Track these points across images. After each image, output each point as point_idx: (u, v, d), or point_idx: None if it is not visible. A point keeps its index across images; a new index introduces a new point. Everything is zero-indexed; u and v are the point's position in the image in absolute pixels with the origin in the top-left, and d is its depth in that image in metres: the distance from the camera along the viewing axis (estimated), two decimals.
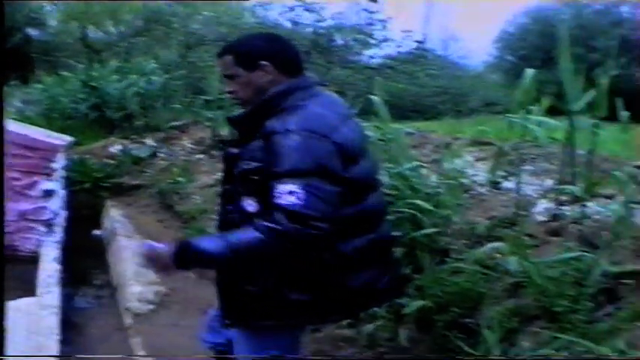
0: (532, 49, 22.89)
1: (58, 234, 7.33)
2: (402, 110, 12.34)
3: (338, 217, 2.76)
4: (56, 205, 7.46)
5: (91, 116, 11.44)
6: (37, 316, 5.09)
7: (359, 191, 2.93)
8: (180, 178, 8.52)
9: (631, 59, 20.15)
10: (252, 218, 2.72)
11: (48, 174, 7.39)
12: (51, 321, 5.02)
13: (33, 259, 6.90)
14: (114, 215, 8.16)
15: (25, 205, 7.33)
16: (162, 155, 9.87)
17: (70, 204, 7.76)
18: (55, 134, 8.20)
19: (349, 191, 2.82)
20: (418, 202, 4.40)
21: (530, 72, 4.71)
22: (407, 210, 4.40)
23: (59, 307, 5.32)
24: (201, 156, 9.49)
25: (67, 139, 8.17)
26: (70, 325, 5.37)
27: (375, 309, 4.20)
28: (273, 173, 2.68)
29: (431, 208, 4.41)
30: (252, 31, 11.28)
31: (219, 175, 4.69)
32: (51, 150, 7.48)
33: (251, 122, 2.90)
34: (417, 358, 3.62)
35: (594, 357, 3.13)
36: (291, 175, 2.64)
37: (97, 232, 8.19)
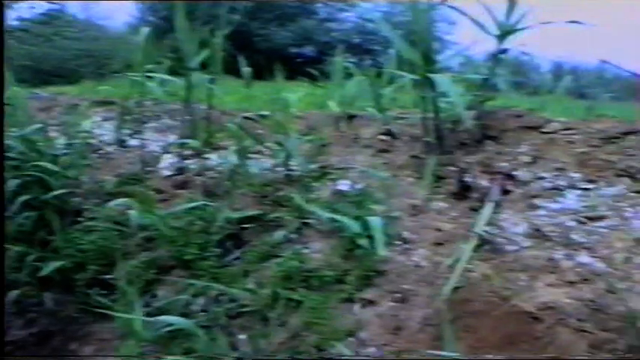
0: (173, 8, 23.02)
1: None
2: (43, 75, 12.03)
3: None
4: None
5: None
6: None
7: None
8: None
9: (270, 20, 20.90)
10: None
11: None
12: None
13: None
14: None
15: None
16: None
17: None
18: None
19: None
20: (45, 164, 4.40)
21: (144, 31, 4.84)
22: (34, 173, 4.39)
23: None
24: None
25: None
26: None
27: (18, 275, 4.20)
28: None
29: (58, 169, 4.43)
30: None
31: None
32: None
33: None
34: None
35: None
36: None
37: None
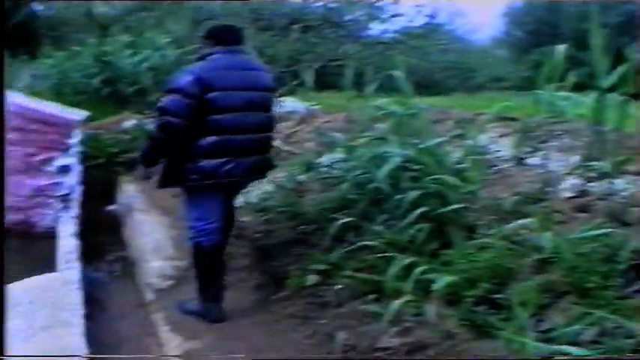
0: (539, 23, 22.79)
1: (75, 209, 7.33)
2: (411, 85, 12.31)
3: (195, 127, 4.61)
4: (72, 180, 7.46)
5: (103, 91, 11.36)
6: (59, 291, 5.13)
7: (221, 122, 4.67)
8: None
9: None
10: None
11: (64, 149, 7.38)
12: (74, 297, 5.05)
13: (49, 235, 6.92)
14: (128, 190, 8.13)
15: (41, 181, 7.34)
16: None
17: (85, 179, 7.73)
18: (71, 109, 8.15)
19: (209, 114, 4.62)
20: (445, 177, 4.42)
21: (561, 48, 4.70)
22: (433, 185, 4.44)
23: (80, 282, 5.34)
24: None
25: (83, 114, 8.14)
26: (91, 301, 5.33)
27: (402, 284, 4.18)
28: None
29: (458, 183, 4.43)
30: (258, 6, 12.18)
31: None
32: (67, 125, 7.49)
33: None
34: None
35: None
36: (166, 91, 4.71)
37: (111, 207, 8.18)
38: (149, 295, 5.55)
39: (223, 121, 4.67)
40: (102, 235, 7.40)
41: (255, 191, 6.47)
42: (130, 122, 9.91)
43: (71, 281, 5.32)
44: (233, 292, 5.23)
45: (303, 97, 9.98)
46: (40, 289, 5.16)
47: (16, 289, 5.07)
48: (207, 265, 4.91)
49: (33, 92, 10.68)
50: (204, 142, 4.65)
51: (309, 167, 6.41)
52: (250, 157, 4.86)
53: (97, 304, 5.53)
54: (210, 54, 4.81)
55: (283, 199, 6.15)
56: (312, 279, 4.86)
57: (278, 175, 6.54)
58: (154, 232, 6.53)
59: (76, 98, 10.95)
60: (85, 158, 8.08)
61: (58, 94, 11.20)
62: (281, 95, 9.78)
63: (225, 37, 4.90)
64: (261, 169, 5.09)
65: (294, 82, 10.79)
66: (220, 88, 4.63)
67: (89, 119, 8.69)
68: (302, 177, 6.36)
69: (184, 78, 4.61)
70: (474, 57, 19.54)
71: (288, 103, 9.58)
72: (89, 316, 4.86)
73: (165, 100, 4.65)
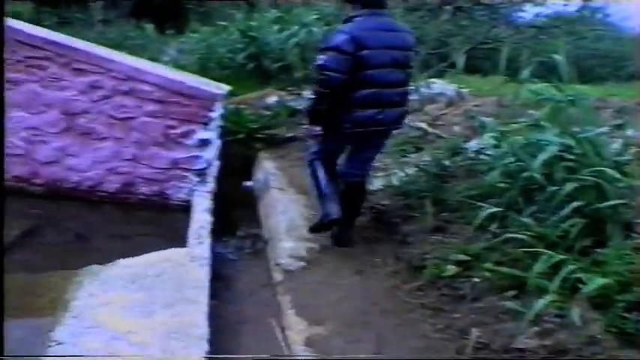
0: None
1: (210, 184, 7.33)
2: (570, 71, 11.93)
3: (351, 81, 5.08)
4: (210, 154, 7.41)
5: (248, 67, 11.33)
6: (186, 267, 5.07)
7: (373, 77, 5.16)
8: None
9: None
10: None
11: (205, 123, 7.33)
12: (201, 274, 4.99)
13: (183, 208, 6.97)
14: (266, 167, 8.03)
15: (178, 154, 7.32)
16: None
17: (223, 154, 7.69)
18: (213, 83, 8.12)
19: (362, 69, 5.10)
20: (605, 169, 4.13)
21: None
22: (591, 178, 4.18)
23: (209, 259, 5.29)
24: None
25: (225, 88, 8.09)
26: (218, 278, 5.32)
27: (546, 282, 3.94)
28: None
29: (617, 176, 4.16)
30: None
31: None
32: (209, 99, 7.41)
33: None
34: None
35: None
36: (324, 49, 5.16)
37: (247, 183, 8.12)
38: (277, 276, 5.41)
39: (375, 76, 5.17)
40: (236, 211, 7.38)
41: (397, 174, 6.28)
42: (272, 98, 9.87)
43: (200, 257, 5.27)
44: (364, 277, 5.12)
45: (451, 80, 9.72)
46: (168, 263, 5.10)
47: (142, 262, 5.07)
48: (322, 173, 5.65)
49: (178, 66, 10.78)
50: (358, 95, 5.18)
51: (456, 152, 6.33)
52: (395, 108, 5.42)
53: (223, 282, 5.48)
54: (356, 16, 5.25)
55: (426, 184, 5.99)
56: (450, 269, 4.66)
57: (422, 158, 6.35)
58: (289, 211, 6.42)
59: (221, 73, 10.97)
60: (225, 133, 8.04)
61: (202, 68, 11.25)
62: (429, 77, 9.59)
63: (371, 1, 5.29)
64: (401, 119, 5.64)
65: (443, 65, 10.54)
66: (371, 46, 5.11)
67: (231, 94, 8.65)
68: (447, 162, 6.20)
69: (340, 37, 5.12)
70: (626, 45, 18.80)
71: (436, 85, 9.33)
72: (214, 294, 4.82)
73: (324, 57, 5.13)
